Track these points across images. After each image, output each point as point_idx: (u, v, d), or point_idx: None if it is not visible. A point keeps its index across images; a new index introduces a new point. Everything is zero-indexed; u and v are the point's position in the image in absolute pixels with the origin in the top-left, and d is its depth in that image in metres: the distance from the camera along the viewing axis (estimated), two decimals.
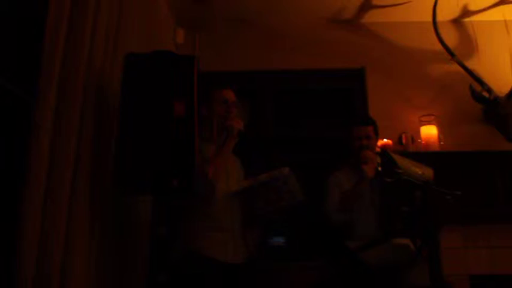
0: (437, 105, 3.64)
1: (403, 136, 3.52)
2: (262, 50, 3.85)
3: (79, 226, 1.83)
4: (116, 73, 2.20)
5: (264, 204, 2.30)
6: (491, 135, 3.51)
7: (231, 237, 2.24)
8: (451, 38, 3.74)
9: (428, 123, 3.54)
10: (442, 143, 3.47)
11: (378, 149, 2.83)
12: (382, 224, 2.52)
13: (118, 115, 2.01)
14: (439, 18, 3.56)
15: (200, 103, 2.01)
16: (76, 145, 1.86)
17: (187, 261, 2.15)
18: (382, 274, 2.32)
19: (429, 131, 3.51)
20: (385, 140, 3.34)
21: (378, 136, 2.81)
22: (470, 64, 3.57)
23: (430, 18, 3.55)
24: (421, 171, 2.03)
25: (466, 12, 3.80)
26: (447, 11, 3.72)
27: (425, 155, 3.31)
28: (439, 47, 3.55)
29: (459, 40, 3.83)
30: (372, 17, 3.85)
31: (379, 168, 2.40)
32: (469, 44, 3.82)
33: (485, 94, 3.46)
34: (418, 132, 3.54)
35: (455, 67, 3.54)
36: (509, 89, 3.45)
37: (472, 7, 3.73)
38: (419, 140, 3.52)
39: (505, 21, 3.81)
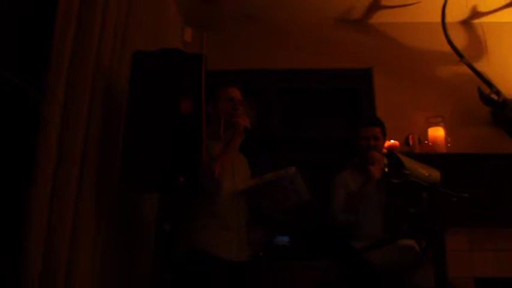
0: (445, 106, 3.62)
1: (410, 137, 3.51)
2: (269, 49, 3.85)
3: (85, 223, 1.84)
4: (123, 70, 2.21)
5: (270, 203, 2.30)
6: (499, 137, 3.49)
7: (236, 236, 2.24)
8: (460, 39, 3.72)
9: (436, 124, 3.52)
10: (449, 144, 3.45)
11: (384, 150, 2.82)
12: (388, 225, 2.51)
13: (125, 112, 2.02)
14: (448, 19, 3.54)
15: (207, 101, 2.01)
16: (83, 141, 1.87)
17: (192, 259, 2.15)
18: (387, 275, 2.32)
19: (436, 133, 3.49)
20: (392, 141, 3.33)
21: (385, 137, 2.80)
22: (479, 66, 3.54)
23: (439, 19, 3.53)
24: (428, 172, 2.03)
25: (476, 14, 3.77)
26: (456, 12, 3.70)
27: (432, 157, 3.30)
28: (447, 48, 3.53)
29: (468, 41, 3.81)
30: (380, 18, 3.84)
31: (386, 169, 2.40)
32: (478, 46, 3.79)
33: (494, 96, 3.44)
34: (425, 133, 3.52)
35: (464, 69, 3.52)
36: None
37: (482, 8, 3.71)
38: (426, 142, 3.50)
39: None
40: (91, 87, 1.94)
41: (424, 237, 2.10)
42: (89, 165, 1.89)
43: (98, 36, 2.01)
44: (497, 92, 3.44)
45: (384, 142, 2.84)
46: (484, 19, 3.81)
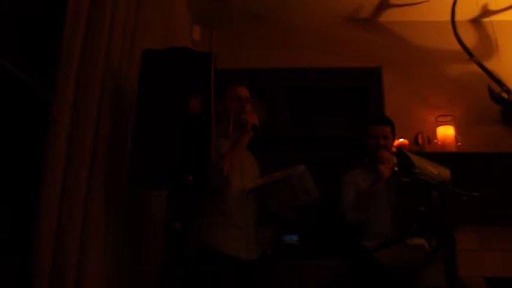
0: (455, 105, 3.60)
1: (420, 136, 3.49)
2: (278, 48, 3.85)
3: (95, 221, 1.85)
4: (133, 69, 2.22)
5: (279, 202, 2.30)
6: (509, 136, 3.47)
7: (245, 234, 2.25)
8: (470, 37, 3.70)
9: (445, 123, 3.50)
10: (459, 143, 3.43)
11: (393, 149, 2.81)
12: (398, 223, 2.50)
13: (135, 111, 2.03)
14: (458, 17, 3.52)
15: (215, 100, 2.02)
16: (92, 141, 1.88)
17: (201, 257, 2.16)
18: (396, 274, 2.31)
19: (446, 132, 3.47)
20: (401, 139, 3.32)
21: (394, 136, 2.79)
22: (490, 64, 3.52)
23: (448, 18, 3.51)
24: (438, 171, 2.01)
25: (486, 12, 3.74)
26: (466, 10, 3.67)
27: (442, 156, 3.28)
28: (457, 47, 3.51)
29: (478, 40, 3.78)
30: (389, 16, 3.83)
31: (396, 168, 2.39)
32: (488, 44, 3.76)
33: (504, 95, 3.42)
34: (435, 132, 3.50)
35: (474, 67, 3.50)
36: None
37: (493, 6, 3.68)
38: (435, 141, 3.49)
39: None
40: (100, 86, 1.95)
41: (434, 236, 2.09)
42: (98, 164, 1.90)
43: (107, 35, 2.02)
44: (508, 91, 3.42)
45: (394, 141, 2.83)
46: (494, 17, 3.79)
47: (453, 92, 3.65)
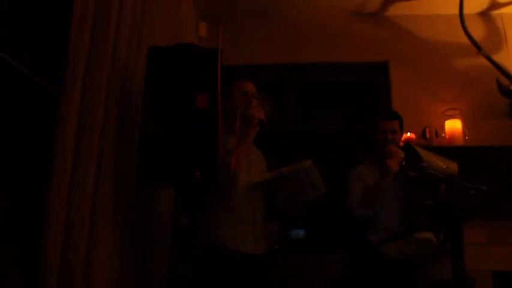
0: (463, 99, 3.58)
1: (427, 130, 3.48)
2: (284, 43, 3.85)
3: (103, 217, 1.87)
4: (139, 66, 2.23)
5: (286, 196, 2.31)
6: None
7: (252, 229, 2.25)
8: (478, 31, 3.67)
9: (453, 117, 3.48)
10: (466, 137, 3.42)
11: (401, 143, 2.80)
12: (405, 217, 2.50)
13: (141, 107, 2.04)
14: (466, 11, 3.49)
15: (222, 96, 2.02)
16: (100, 137, 1.89)
17: (208, 253, 2.17)
18: (403, 268, 2.31)
19: (454, 125, 3.46)
20: (408, 134, 3.30)
21: (403, 131, 2.79)
22: (498, 57, 3.49)
23: (456, 11, 3.48)
24: (446, 165, 2.01)
25: (495, 5, 3.71)
26: (474, 3, 3.65)
27: (450, 150, 3.27)
28: (465, 40, 3.48)
29: (487, 33, 3.75)
30: (396, 10, 3.80)
31: (403, 163, 2.39)
32: (497, 37, 3.73)
33: None
34: (443, 126, 3.48)
35: (482, 60, 3.47)
36: None
37: None
38: (443, 135, 3.47)
39: None
40: (107, 84, 1.96)
41: (442, 230, 2.09)
42: (106, 161, 1.91)
43: (113, 32, 2.03)
44: None
45: (402, 135, 2.82)
46: (503, 10, 3.75)
47: (461, 86, 3.63)
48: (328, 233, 3.39)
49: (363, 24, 3.87)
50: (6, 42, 1.77)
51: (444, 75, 3.68)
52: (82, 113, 1.85)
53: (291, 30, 3.88)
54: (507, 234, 3.19)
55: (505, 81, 3.39)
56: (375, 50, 3.79)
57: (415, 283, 2.25)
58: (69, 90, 1.80)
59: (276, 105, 3.74)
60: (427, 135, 3.47)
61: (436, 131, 3.48)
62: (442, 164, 2.01)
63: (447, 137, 3.45)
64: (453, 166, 2.04)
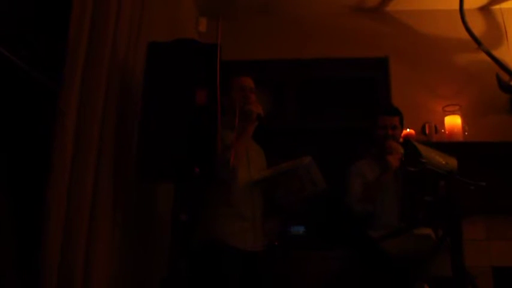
0: (463, 95, 3.57)
1: (427, 126, 3.47)
2: (284, 38, 3.84)
3: (102, 213, 1.87)
4: (139, 62, 2.23)
5: (286, 193, 2.31)
6: None
7: (251, 226, 2.25)
8: (478, 26, 3.66)
9: (453, 113, 3.47)
10: (466, 133, 3.41)
11: (401, 139, 2.80)
12: (405, 213, 2.50)
13: (141, 103, 2.03)
14: (466, 5, 3.48)
15: (221, 92, 2.02)
16: (99, 132, 1.89)
17: (207, 249, 2.17)
18: (403, 264, 2.31)
19: (453, 121, 3.45)
20: (407, 129, 3.30)
21: (403, 126, 2.78)
22: (499, 53, 3.48)
23: (456, 6, 3.47)
24: (445, 160, 2.01)
25: None
26: None
27: (449, 145, 3.26)
28: (465, 35, 3.47)
29: (487, 28, 3.74)
30: (396, 5, 3.79)
31: (403, 158, 2.39)
32: (497, 32, 3.72)
33: None
34: (442, 122, 3.48)
35: (482, 56, 3.46)
36: None
37: None
38: (443, 130, 3.47)
39: None
40: (107, 79, 1.96)
41: (441, 226, 2.09)
42: (105, 156, 1.91)
43: (113, 27, 2.03)
44: None
45: (402, 131, 2.82)
46: (504, 5, 3.73)
47: (461, 81, 3.62)
48: (328, 229, 3.39)
49: (362, 20, 3.86)
50: (5, 37, 1.76)
51: (444, 70, 3.67)
52: (81, 108, 1.84)
53: (291, 26, 3.87)
54: (506, 229, 3.20)
55: (505, 77, 3.38)
56: (374, 45, 3.78)
57: (415, 279, 2.25)
58: (68, 86, 1.80)
59: (275, 101, 3.73)
60: (427, 131, 3.46)
61: (435, 127, 3.47)
62: (441, 159, 2.01)
63: (447, 132, 3.44)
64: (452, 162, 2.04)
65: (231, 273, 2.12)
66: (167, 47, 2.05)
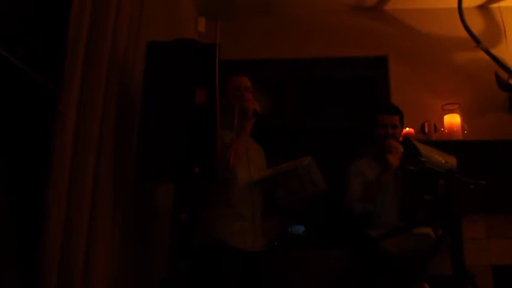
0: (462, 93, 3.57)
1: (426, 125, 3.47)
2: (283, 38, 3.83)
3: (102, 213, 1.87)
4: (138, 61, 2.22)
5: (286, 193, 2.31)
6: None
7: (251, 225, 2.26)
8: (477, 24, 3.66)
9: (452, 111, 3.47)
10: (465, 131, 3.41)
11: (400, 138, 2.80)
12: (404, 212, 2.50)
13: (140, 103, 2.03)
14: (465, 4, 3.48)
15: (220, 92, 2.02)
16: (99, 133, 1.89)
17: (207, 248, 2.18)
18: (403, 263, 2.31)
19: (452, 120, 3.45)
20: (407, 128, 3.30)
21: (403, 125, 2.78)
22: (497, 51, 3.48)
23: (455, 5, 3.47)
24: (444, 159, 2.01)
25: None
26: None
27: (449, 144, 3.26)
28: (464, 34, 3.47)
29: (486, 26, 3.74)
30: (395, 4, 3.79)
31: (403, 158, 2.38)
32: (496, 31, 3.72)
33: None
34: (441, 120, 3.48)
35: (481, 54, 3.46)
36: None
37: None
38: (442, 129, 3.47)
39: None
40: (106, 79, 1.96)
41: (441, 225, 2.09)
42: (105, 156, 1.91)
43: (112, 28, 2.03)
44: None
45: (402, 130, 2.82)
46: (502, 3, 3.73)
47: (460, 80, 3.62)
48: (327, 229, 3.39)
49: (361, 19, 3.85)
50: (3, 38, 1.76)
51: (443, 69, 3.67)
52: (81, 108, 1.84)
53: (290, 25, 3.87)
54: (506, 228, 3.20)
55: (504, 75, 3.38)
56: (373, 44, 3.78)
57: (415, 278, 2.25)
58: (67, 86, 1.80)
59: (275, 101, 3.73)
60: (426, 129, 3.46)
61: (435, 126, 3.47)
62: (440, 158, 2.01)
63: (446, 131, 3.44)
64: (452, 160, 2.04)
65: (230, 273, 2.12)
66: (167, 46, 2.05)
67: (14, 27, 1.88)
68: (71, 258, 1.70)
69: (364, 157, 2.81)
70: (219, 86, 1.97)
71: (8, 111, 1.80)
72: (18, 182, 1.79)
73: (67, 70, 1.80)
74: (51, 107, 1.78)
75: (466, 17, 3.46)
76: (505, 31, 3.70)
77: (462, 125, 3.43)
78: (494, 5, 3.77)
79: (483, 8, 3.79)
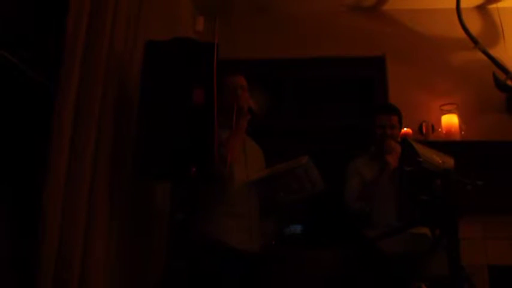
0: (459, 93, 3.57)
1: (424, 125, 3.47)
2: (281, 37, 3.83)
3: (99, 212, 1.87)
4: (136, 60, 2.22)
5: (285, 193, 2.31)
6: None
7: (247, 225, 2.25)
8: (475, 25, 3.66)
9: (450, 112, 3.47)
10: (463, 132, 3.42)
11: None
12: (401, 213, 2.50)
13: (138, 102, 2.03)
14: (463, 4, 3.48)
15: (218, 91, 2.01)
16: (96, 132, 1.90)
17: (203, 248, 2.17)
18: (399, 263, 2.32)
19: (450, 120, 3.45)
20: (404, 128, 3.30)
21: (401, 126, 2.78)
22: (495, 52, 3.48)
23: (453, 5, 3.47)
24: (442, 160, 2.01)
25: None
26: None
27: (446, 144, 3.27)
28: (462, 34, 3.48)
29: (484, 27, 3.74)
30: (393, 4, 3.79)
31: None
32: (494, 31, 3.72)
33: (510, 83, 3.38)
34: (439, 121, 3.48)
35: (479, 55, 3.46)
36: None
37: None
38: (440, 129, 3.47)
39: None
40: (104, 78, 1.96)
41: (438, 225, 2.09)
42: (102, 156, 1.91)
43: (110, 26, 2.03)
44: None
45: (400, 131, 2.82)
46: (500, 4, 3.74)
47: (458, 80, 3.62)
48: (325, 229, 3.39)
49: (359, 19, 3.85)
50: (2, 37, 1.76)
51: (441, 69, 3.67)
52: (78, 107, 1.84)
53: (289, 25, 3.86)
54: (503, 228, 3.20)
55: (502, 76, 3.39)
56: (371, 44, 3.78)
57: (412, 278, 2.26)
58: (65, 85, 1.80)
59: (273, 100, 3.73)
60: (424, 130, 3.46)
61: (432, 126, 3.47)
62: (438, 159, 2.01)
63: (444, 131, 3.44)
64: (449, 161, 2.04)
65: (227, 272, 2.12)
66: (165, 45, 2.05)
67: (12, 27, 1.87)
68: (67, 257, 1.70)
69: (362, 157, 2.81)
70: (216, 85, 1.96)
71: (5, 110, 1.80)
72: (15, 180, 1.79)
73: (65, 69, 1.80)
74: (49, 106, 1.78)
75: (464, 18, 3.46)
76: (503, 32, 3.70)
77: (460, 126, 3.43)
78: (492, 6, 3.77)
79: (481, 9, 3.79)
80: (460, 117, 3.45)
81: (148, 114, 1.95)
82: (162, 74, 2.01)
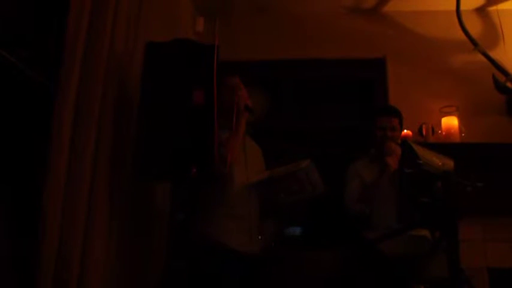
0: (459, 95, 3.58)
1: (424, 127, 3.47)
2: (281, 39, 3.83)
3: (99, 212, 1.87)
4: (136, 61, 2.22)
5: (286, 195, 2.31)
6: None
7: (247, 227, 2.25)
8: (475, 27, 3.66)
9: (450, 114, 3.48)
10: (463, 134, 3.42)
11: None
12: (401, 215, 2.50)
13: (138, 102, 2.03)
14: (463, 6, 3.49)
15: (218, 92, 2.01)
16: (96, 132, 1.89)
17: (203, 249, 2.17)
18: (400, 265, 2.31)
19: (450, 122, 3.45)
20: (404, 130, 3.30)
21: (402, 128, 2.78)
22: (495, 54, 3.49)
23: (453, 7, 3.48)
24: (442, 162, 2.01)
25: (491, 1, 3.70)
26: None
27: (446, 146, 3.27)
28: (462, 36, 3.48)
29: (483, 29, 3.74)
30: (393, 6, 3.79)
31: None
32: (494, 33, 3.73)
33: (509, 85, 3.38)
34: (439, 123, 3.48)
35: (479, 57, 3.46)
36: None
37: None
38: (439, 131, 3.47)
39: None
40: (104, 79, 1.96)
41: (438, 227, 2.09)
42: (102, 156, 1.91)
43: (110, 27, 2.02)
44: None
45: (401, 133, 2.82)
46: (500, 6, 3.74)
47: (458, 82, 3.62)
48: (324, 231, 3.39)
49: (360, 20, 3.86)
50: (1, 36, 1.76)
51: (441, 71, 3.67)
52: (78, 108, 1.84)
53: (289, 26, 3.87)
54: (502, 231, 3.20)
55: (502, 78, 3.39)
56: (372, 46, 3.78)
57: (412, 280, 2.25)
58: (65, 85, 1.80)
59: (273, 102, 3.73)
60: (424, 132, 3.46)
61: (432, 128, 3.47)
62: (438, 161, 2.01)
63: (443, 133, 3.45)
64: (449, 163, 2.04)
65: (227, 274, 2.12)
66: (165, 46, 2.05)
67: (12, 26, 1.87)
68: (67, 257, 1.70)
69: (362, 159, 2.81)
70: (217, 86, 1.96)
71: (5, 110, 1.79)
72: (15, 180, 1.79)
73: (65, 69, 1.80)
74: (49, 106, 1.78)
75: (464, 20, 3.47)
76: (502, 34, 3.70)
77: (460, 128, 3.43)
78: (492, 8, 3.77)
79: (481, 11, 3.80)
80: (460, 119, 3.46)
81: (149, 114, 1.95)
82: (162, 75, 2.01)
